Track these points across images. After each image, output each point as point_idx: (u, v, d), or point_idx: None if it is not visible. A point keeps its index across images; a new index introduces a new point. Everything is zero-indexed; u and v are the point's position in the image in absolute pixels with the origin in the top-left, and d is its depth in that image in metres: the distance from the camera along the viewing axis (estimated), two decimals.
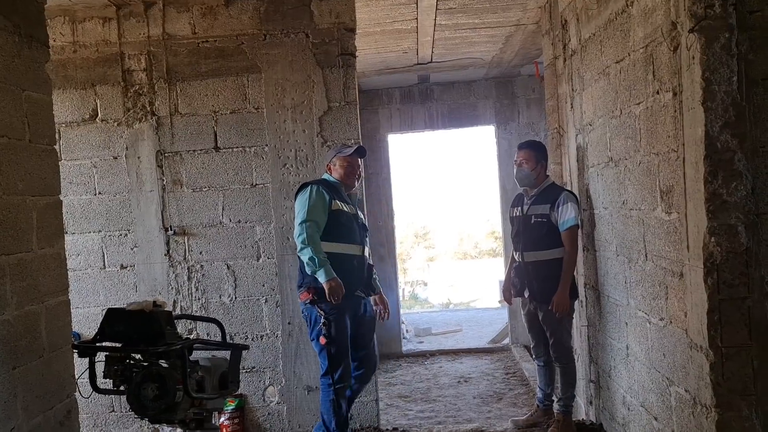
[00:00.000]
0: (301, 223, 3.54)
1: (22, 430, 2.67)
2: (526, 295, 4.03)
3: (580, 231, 3.90)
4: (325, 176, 3.83)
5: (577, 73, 3.99)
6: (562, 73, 4.40)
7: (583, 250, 3.90)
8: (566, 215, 3.77)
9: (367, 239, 3.97)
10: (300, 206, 3.62)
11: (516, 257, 4.10)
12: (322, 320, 3.49)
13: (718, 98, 2.13)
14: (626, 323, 3.26)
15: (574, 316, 4.01)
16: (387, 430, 4.33)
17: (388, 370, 6.67)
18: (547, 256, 3.86)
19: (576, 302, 3.98)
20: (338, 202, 3.66)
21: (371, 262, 4.01)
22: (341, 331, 3.56)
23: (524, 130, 6.97)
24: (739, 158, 2.16)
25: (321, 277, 3.45)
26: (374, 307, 4.00)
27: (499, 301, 4.21)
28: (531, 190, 4.00)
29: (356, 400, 4.27)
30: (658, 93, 2.59)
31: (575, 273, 3.95)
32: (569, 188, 4.22)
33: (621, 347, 3.39)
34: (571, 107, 4.18)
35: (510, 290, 4.20)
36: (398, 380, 6.35)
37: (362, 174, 3.92)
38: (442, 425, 4.50)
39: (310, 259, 3.48)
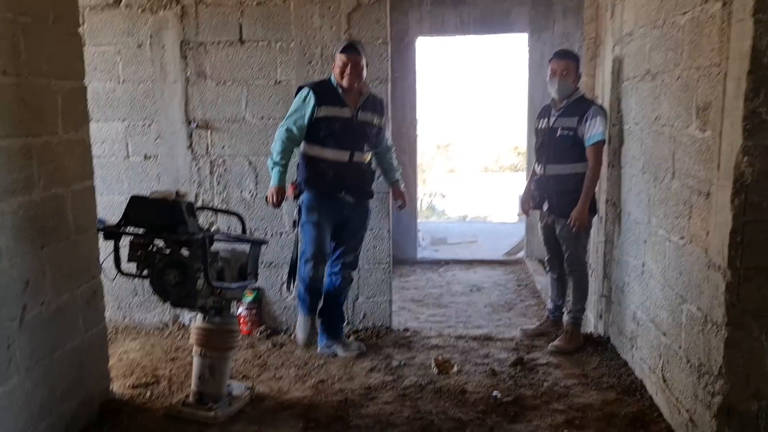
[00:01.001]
0: (280, 127, 3.75)
1: (50, 306, 2.79)
2: (545, 208, 4.04)
3: (606, 147, 3.84)
4: (331, 76, 3.82)
5: None
6: None
7: (608, 167, 3.86)
8: (594, 130, 3.71)
9: (382, 144, 3.99)
10: (289, 109, 3.80)
11: (537, 170, 4.09)
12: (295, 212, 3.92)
13: None
14: (645, 241, 3.27)
15: (591, 231, 4.03)
16: (399, 330, 4.46)
17: (403, 275, 6.80)
18: (569, 170, 3.85)
19: (594, 218, 3.99)
20: (328, 107, 3.71)
21: (391, 163, 4.10)
22: (310, 229, 3.85)
23: (558, 40, 6.69)
24: None
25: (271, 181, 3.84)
26: (395, 202, 4.23)
27: (518, 213, 4.21)
28: (560, 102, 3.93)
29: (370, 300, 4.40)
30: (706, 2, 2.47)
31: (596, 189, 3.93)
32: (600, 102, 4.13)
33: (637, 264, 3.42)
34: (611, 16, 4.01)
35: (529, 202, 4.22)
36: (412, 285, 6.49)
37: (362, 73, 3.80)
38: (452, 329, 4.62)
39: (270, 162, 3.83)
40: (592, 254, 4.17)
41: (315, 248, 3.85)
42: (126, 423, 3.11)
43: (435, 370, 3.70)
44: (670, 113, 2.92)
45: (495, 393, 3.38)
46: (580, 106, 3.85)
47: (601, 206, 4.00)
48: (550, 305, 4.36)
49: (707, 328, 2.49)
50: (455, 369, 3.73)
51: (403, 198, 4.20)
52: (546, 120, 4.03)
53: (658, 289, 3.07)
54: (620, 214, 3.78)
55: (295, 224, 3.95)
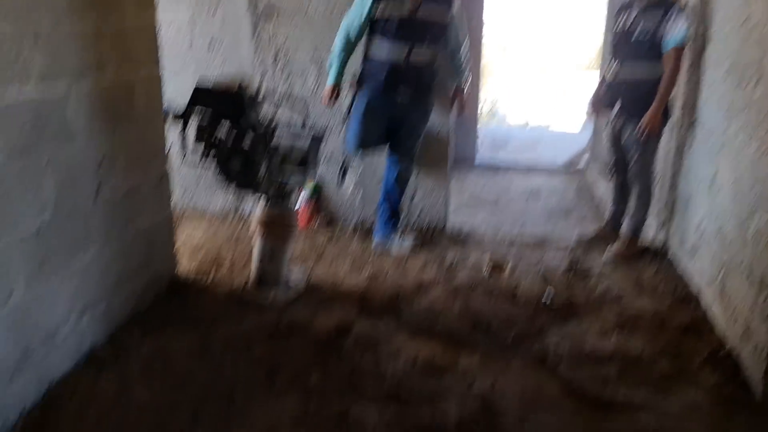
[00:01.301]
0: (341, 25, 3.75)
1: (121, 189, 2.91)
2: (616, 109, 3.88)
3: (686, 50, 3.60)
4: None
5: None
6: None
7: (687, 71, 3.64)
8: (675, 31, 3.47)
9: (450, 43, 3.84)
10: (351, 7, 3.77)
11: (611, 71, 3.88)
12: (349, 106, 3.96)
13: None
14: (719, 150, 3.14)
15: (661, 139, 3.87)
16: (453, 230, 4.48)
17: (460, 178, 6.75)
18: (645, 73, 3.65)
19: (667, 125, 3.82)
20: (387, 3, 3.61)
21: (458, 65, 3.95)
22: (356, 124, 3.90)
23: None
24: None
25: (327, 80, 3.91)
26: (455, 107, 4.14)
27: (587, 113, 4.05)
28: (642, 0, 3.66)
29: (427, 199, 4.42)
30: None
31: (672, 94, 3.73)
32: (684, 1, 3.85)
33: (707, 174, 3.29)
34: None
35: (599, 103, 4.03)
36: (469, 188, 6.46)
37: None
38: (507, 232, 4.62)
39: (328, 61, 3.91)
40: (660, 162, 4.03)
41: (358, 140, 3.88)
42: (191, 302, 3.29)
43: (487, 271, 3.74)
44: (762, 15, 2.70)
45: (548, 291, 3.42)
46: (662, 4, 3.58)
47: (675, 112, 3.82)
48: (609, 212, 4.29)
49: None
50: (508, 270, 3.76)
51: (462, 105, 4.12)
52: (625, 18, 3.77)
53: (727, 200, 2.97)
54: (695, 121, 3.61)
55: (345, 116, 3.99)
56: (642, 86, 3.67)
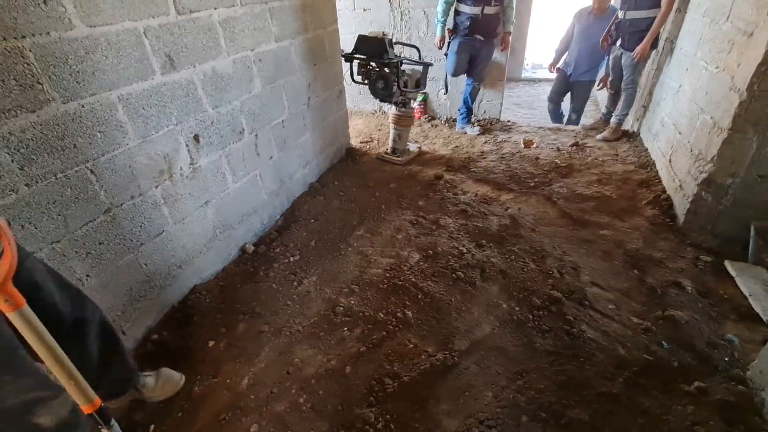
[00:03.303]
0: None
1: (319, 98, 2.98)
2: (618, 44, 3.34)
3: None
4: None
5: None
6: None
7: (676, 11, 3.02)
8: None
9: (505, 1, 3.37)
10: None
11: (620, 15, 3.27)
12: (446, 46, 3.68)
13: None
14: (687, 69, 2.68)
15: (648, 62, 3.32)
16: (504, 121, 4.25)
17: (510, 88, 6.21)
18: (644, 15, 3.07)
19: (653, 52, 3.25)
20: None
21: (509, 16, 3.49)
22: (453, 57, 3.60)
23: None
24: None
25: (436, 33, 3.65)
26: (501, 46, 3.71)
27: (600, 45, 3.52)
28: None
29: (489, 102, 4.16)
30: None
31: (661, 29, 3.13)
32: None
33: (675, 86, 2.85)
34: None
35: (608, 39, 3.48)
36: (515, 94, 5.95)
37: None
38: (536, 122, 4.32)
39: (435, 20, 3.64)
40: (643, 77, 3.50)
41: (454, 68, 3.64)
42: (357, 160, 3.45)
43: (522, 145, 3.60)
44: None
45: (561, 152, 3.27)
46: None
47: (660, 43, 3.23)
48: (603, 110, 3.86)
49: (713, 131, 2.14)
50: (535, 145, 3.60)
51: (506, 45, 3.67)
52: None
53: (685, 104, 2.59)
54: (673, 49, 3.05)
55: (446, 54, 3.70)
56: (640, 25, 3.09)
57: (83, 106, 1.43)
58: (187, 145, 1.87)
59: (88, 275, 1.53)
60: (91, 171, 1.49)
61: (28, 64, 1.25)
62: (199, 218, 2.02)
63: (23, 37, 1.23)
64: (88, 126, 1.45)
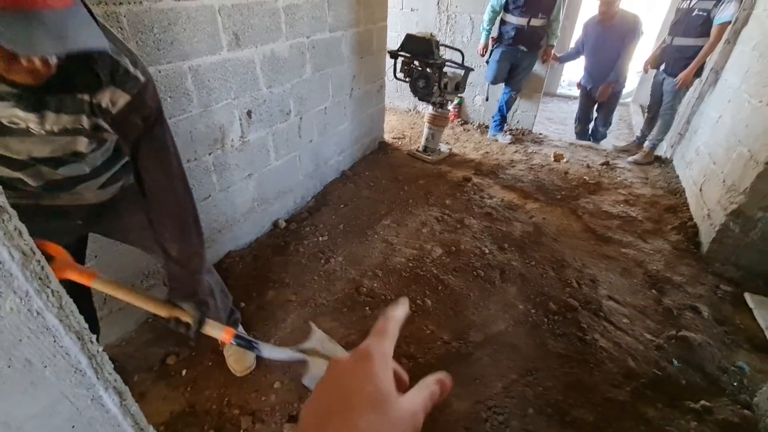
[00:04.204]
0: (489, 2, 3.49)
1: (361, 90, 3.07)
2: (662, 68, 3.34)
3: (730, 27, 2.93)
4: None
5: None
6: None
7: (724, 43, 3.01)
8: (726, 11, 2.82)
9: (551, 13, 3.35)
10: None
11: (667, 40, 3.26)
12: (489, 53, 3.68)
13: None
14: (729, 100, 2.68)
15: (689, 90, 3.31)
16: (536, 133, 4.27)
17: (545, 102, 6.19)
18: (691, 43, 3.05)
19: (696, 80, 3.24)
20: None
21: (554, 31, 3.49)
22: (494, 65, 3.62)
23: None
24: None
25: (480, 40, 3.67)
26: (542, 58, 3.71)
27: (643, 68, 3.50)
28: None
29: (524, 113, 4.19)
30: None
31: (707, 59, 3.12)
32: None
33: (714, 116, 2.85)
34: None
35: (652, 62, 3.47)
36: (548, 109, 5.93)
37: None
38: (568, 138, 4.32)
39: (481, 27, 3.63)
40: (683, 105, 3.48)
41: (494, 76, 3.66)
42: (389, 154, 3.53)
43: (552, 158, 3.62)
44: None
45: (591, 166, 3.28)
46: None
47: (705, 72, 3.21)
48: (638, 133, 3.85)
49: (749, 163, 2.15)
50: (565, 160, 3.62)
51: (548, 57, 3.69)
52: (689, 2, 3.07)
53: (723, 134, 2.59)
54: (718, 80, 3.03)
55: (488, 62, 3.73)
56: (686, 52, 3.08)
57: (159, 72, 1.56)
58: (240, 120, 2.00)
59: None
60: None
61: (121, 28, 1.38)
62: (241, 189, 2.14)
63: (120, 3, 1.36)
64: (161, 91, 1.58)
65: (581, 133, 4.11)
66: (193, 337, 0.99)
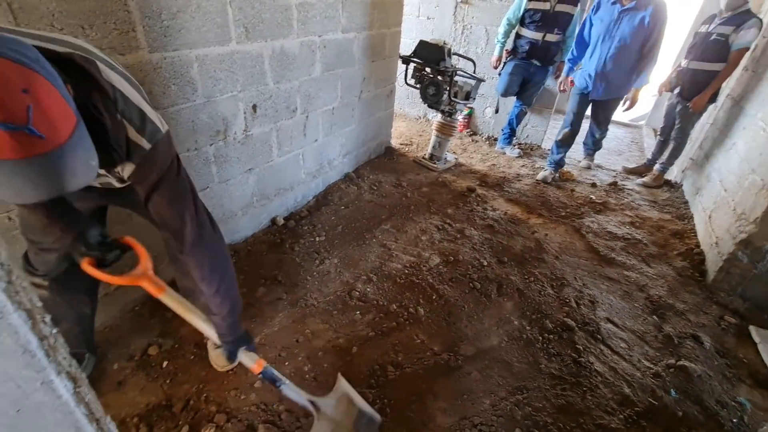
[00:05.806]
0: (504, 16, 3.46)
1: (370, 93, 3.03)
2: (676, 92, 3.29)
3: (748, 53, 2.88)
4: None
5: None
6: None
7: (743, 69, 2.95)
8: (745, 37, 2.76)
9: (568, 29, 3.30)
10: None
11: (683, 64, 3.21)
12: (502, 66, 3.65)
13: None
14: (744, 128, 2.63)
15: (703, 115, 3.25)
16: (544, 149, 4.22)
17: (555, 119, 6.14)
18: (707, 68, 3.00)
19: (711, 106, 3.19)
20: (535, 4, 3.23)
21: (568, 46, 3.39)
22: (505, 77, 3.58)
23: None
24: None
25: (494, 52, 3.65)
26: (554, 75, 3.67)
27: (656, 92, 3.44)
28: (725, 12, 2.89)
29: (533, 127, 4.16)
30: None
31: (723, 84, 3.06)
32: (762, 15, 2.99)
33: (729, 143, 2.79)
34: None
35: (666, 86, 3.43)
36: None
37: None
38: (576, 156, 4.26)
39: (496, 39, 3.59)
40: (696, 130, 3.43)
41: (505, 88, 3.62)
42: (394, 159, 3.51)
43: (559, 176, 3.57)
44: None
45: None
46: (741, 17, 2.80)
47: (720, 99, 3.16)
48: (649, 156, 3.79)
49: (761, 192, 2.09)
50: (573, 178, 3.57)
51: (560, 73, 3.56)
52: (707, 26, 3.02)
53: (736, 162, 2.53)
54: (733, 106, 2.98)
55: (500, 74, 3.70)
56: (701, 77, 3.03)
57: (165, 59, 1.55)
58: (244, 113, 1.98)
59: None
60: None
61: (128, 12, 1.38)
62: (241, 183, 2.12)
63: None
64: (165, 77, 1.57)
65: (568, 138, 3.32)
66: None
